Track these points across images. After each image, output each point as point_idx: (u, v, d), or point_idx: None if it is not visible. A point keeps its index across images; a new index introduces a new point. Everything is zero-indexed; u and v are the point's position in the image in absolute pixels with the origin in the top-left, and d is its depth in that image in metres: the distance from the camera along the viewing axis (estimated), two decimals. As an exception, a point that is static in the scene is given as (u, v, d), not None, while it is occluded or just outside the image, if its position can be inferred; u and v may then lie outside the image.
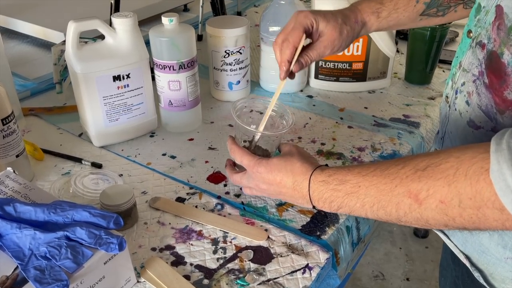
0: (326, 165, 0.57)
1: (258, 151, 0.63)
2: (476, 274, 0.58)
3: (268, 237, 0.61)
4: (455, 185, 0.42)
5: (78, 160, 0.76)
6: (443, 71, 1.07)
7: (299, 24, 0.64)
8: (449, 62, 1.09)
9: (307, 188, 0.55)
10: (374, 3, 0.68)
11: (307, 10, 0.65)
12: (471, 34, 0.54)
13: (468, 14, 0.70)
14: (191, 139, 0.83)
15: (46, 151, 0.78)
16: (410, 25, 0.72)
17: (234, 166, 0.66)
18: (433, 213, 0.44)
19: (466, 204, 0.42)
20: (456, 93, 0.57)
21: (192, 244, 0.60)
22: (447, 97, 0.60)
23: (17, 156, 0.67)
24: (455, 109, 0.57)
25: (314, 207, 0.56)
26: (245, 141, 0.64)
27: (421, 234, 1.91)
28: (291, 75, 0.66)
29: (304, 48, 0.66)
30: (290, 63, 0.64)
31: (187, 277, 0.55)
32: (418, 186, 0.45)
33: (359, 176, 0.50)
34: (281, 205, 0.67)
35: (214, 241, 0.61)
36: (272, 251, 0.59)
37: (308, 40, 0.67)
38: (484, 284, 0.57)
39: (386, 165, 0.49)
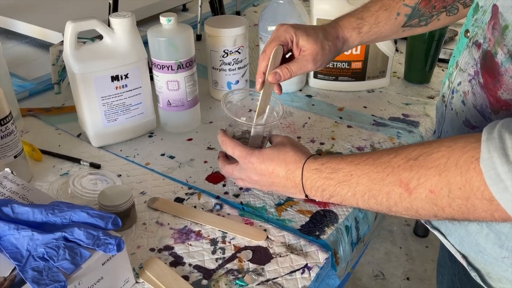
0: (320, 154, 0.57)
1: (250, 143, 0.63)
2: (473, 274, 0.58)
3: (267, 237, 0.61)
4: (446, 174, 0.42)
5: (77, 160, 0.76)
6: (442, 70, 1.07)
7: (277, 37, 0.64)
8: (448, 61, 1.09)
9: (300, 177, 0.55)
10: (354, 18, 0.68)
11: (289, 24, 0.65)
12: (468, 34, 0.54)
13: (451, 21, 0.70)
14: (190, 139, 0.82)
15: (44, 152, 0.77)
16: (393, 37, 0.72)
17: (227, 158, 0.66)
18: (423, 203, 0.44)
19: (456, 194, 0.42)
20: (452, 93, 0.57)
21: (191, 245, 0.60)
22: (443, 96, 0.60)
23: (15, 157, 0.67)
24: (452, 109, 0.57)
25: (306, 196, 0.56)
26: (235, 134, 0.64)
27: (421, 233, 1.91)
28: (277, 89, 0.66)
29: (286, 61, 0.66)
30: (265, 74, 0.64)
31: (186, 278, 0.55)
32: (409, 175, 0.45)
33: (351, 165, 0.50)
34: (280, 205, 0.67)
35: (213, 242, 0.60)
36: (271, 251, 0.59)
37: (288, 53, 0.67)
38: (481, 283, 0.57)
39: (378, 154, 0.49)
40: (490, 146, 0.39)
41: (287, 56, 0.67)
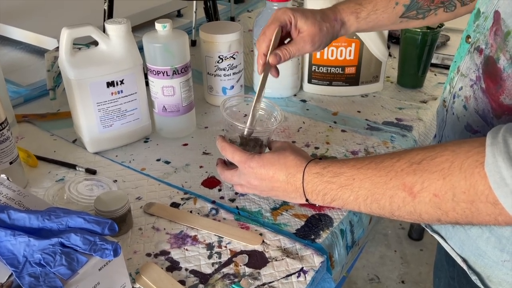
0: (320, 158, 0.57)
1: (249, 148, 0.63)
2: (474, 277, 0.58)
3: (263, 241, 0.61)
4: (450, 178, 0.42)
5: (72, 166, 0.76)
6: (435, 74, 1.08)
7: (276, 19, 0.65)
8: (441, 66, 1.11)
9: (300, 181, 0.55)
10: (353, 3, 0.69)
11: (287, 7, 0.66)
12: (469, 40, 0.55)
13: (448, 18, 0.71)
14: (185, 144, 0.83)
15: (39, 158, 0.77)
16: (390, 27, 0.73)
17: (225, 164, 0.66)
18: (427, 207, 0.44)
19: (460, 198, 0.42)
20: (454, 98, 0.57)
21: (187, 249, 0.60)
22: (444, 101, 0.60)
23: (10, 163, 0.67)
24: (453, 113, 0.58)
25: (307, 200, 0.56)
26: (233, 140, 0.65)
27: (416, 236, 1.92)
28: (275, 72, 0.67)
29: (284, 43, 0.66)
30: (266, 56, 0.64)
31: (182, 282, 0.55)
32: (413, 179, 0.44)
33: (354, 169, 0.50)
34: (276, 209, 0.67)
35: (209, 246, 0.61)
36: (267, 255, 0.59)
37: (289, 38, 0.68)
38: (482, 286, 0.58)
39: (381, 158, 0.49)
40: (495, 151, 0.40)
41: (286, 41, 0.68)
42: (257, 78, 0.98)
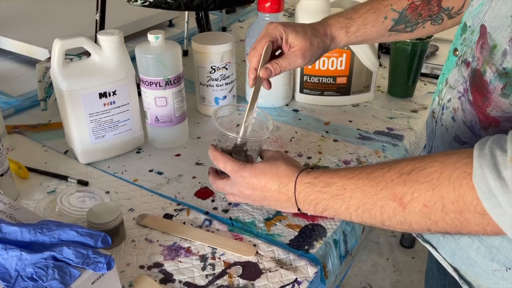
0: (312, 168, 0.57)
1: (241, 158, 0.64)
2: (465, 287, 0.58)
3: (257, 252, 0.61)
4: (439, 189, 0.43)
5: (64, 177, 0.75)
6: (425, 84, 1.09)
7: (267, 34, 0.65)
8: (430, 76, 1.12)
9: (292, 190, 0.55)
10: (343, 18, 0.70)
11: (278, 22, 0.67)
12: (457, 52, 0.56)
13: (436, 31, 0.73)
14: (178, 155, 0.83)
15: (31, 169, 0.77)
16: (379, 40, 0.74)
17: (217, 173, 0.66)
18: (417, 217, 0.45)
19: (449, 208, 0.43)
20: (442, 109, 0.58)
21: (180, 261, 0.60)
22: (433, 112, 0.61)
23: (1, 175, 0.67)
24: (442, 125, 0.58)
25: (299, 209, 0.56)
26: (225, 149, 0.65)
27: (408, 244, 1.93)
28: (267, 84, 0.67)
29: (276, 57, 0.67)
30: (257, 70, 0.65)
31: (176, 295, 0.55)
32: (403, 190, 0.45)
33: (345, 179, 0.51)
34: (269, 220, 0.67)
35: (203, 258, 0.60)
36: (261, 266, 0.59)
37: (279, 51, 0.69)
38: None
39: (371, 168, 0.49)
40: (482, 162, 0.40)
41: (276, 53, 0.69)
42: (250, 89, 0.98)
